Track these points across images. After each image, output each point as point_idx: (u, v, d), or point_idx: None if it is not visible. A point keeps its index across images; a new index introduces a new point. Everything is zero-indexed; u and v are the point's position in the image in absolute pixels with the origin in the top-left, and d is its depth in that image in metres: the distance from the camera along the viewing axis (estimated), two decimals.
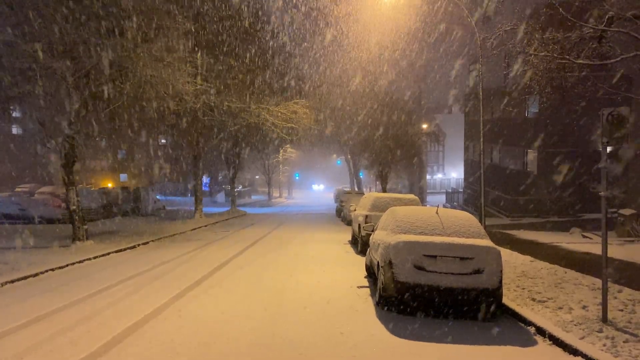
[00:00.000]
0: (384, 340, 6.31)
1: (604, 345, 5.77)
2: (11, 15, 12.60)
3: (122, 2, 12.54)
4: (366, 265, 10.68)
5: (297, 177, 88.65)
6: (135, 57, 13.06)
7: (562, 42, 11.18)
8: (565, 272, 10.36)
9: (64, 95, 13.83)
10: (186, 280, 9.73)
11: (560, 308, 7.40)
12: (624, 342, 5.86)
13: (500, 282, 7.33)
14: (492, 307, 7.38)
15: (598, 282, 8.75)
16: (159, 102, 15.42)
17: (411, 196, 16.32)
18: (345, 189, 46.32)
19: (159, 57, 13.54)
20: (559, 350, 6.04)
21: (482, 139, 17.64)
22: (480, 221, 15.47)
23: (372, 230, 10.63)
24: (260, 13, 23.31)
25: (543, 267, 11.03)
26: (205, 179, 53.49)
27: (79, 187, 15.98)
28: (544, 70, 12.16)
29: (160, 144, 44.81)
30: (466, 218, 8.43)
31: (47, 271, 10.61)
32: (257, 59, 21.78)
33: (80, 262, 11.91)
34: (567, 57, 11.26)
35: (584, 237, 18.89)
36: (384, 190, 33.20)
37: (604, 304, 6.70)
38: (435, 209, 8.66)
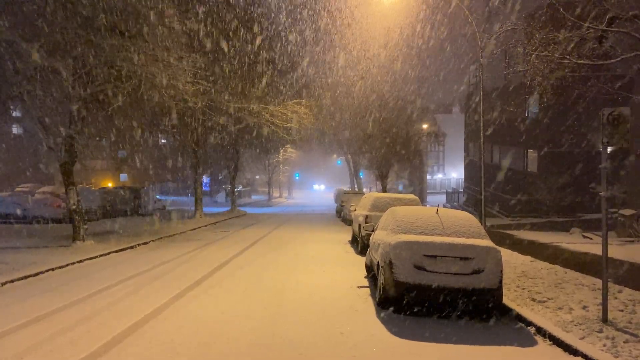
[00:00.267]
0: (384, 340, 6.31)
1: (604, 345, 5.77)
2: (11, 14, 12.58)
3: (122, 2, 12.54)
4: (366, 265, 10.68)
5: (297, 177, 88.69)
6: (135, 56, 13.05)
7: (562, 42, 11.16)
8: (566, 272, 10.36)
9: (64, 95, 13.83)
10: (186, 280, 9.73)
11: (561, 308, 7.39)
12: (624, 342, 5.86)
13: (501, 282, 7.33)
14: (492, 307, 7.38)
15: (598, 282, 8.74)
16: (159, 102, 15.41)
17: (411, 196, 16.32)
18: (346, 189, 46.34)
19: (159, 57, 13.53)
20: (559, 350, 6.03)
21: (482, 139, 17.63)
22: (481, 221, 15.46)
23: (372, 230, 10.63)
24: (261, 13, 23.32)
25: (543, 267, 11.03)
26: (205, 179, 53.45)
27: (79, 187, 15.98)
28: (544, 70, 12.15)
29: (160, 143, 44.81)
30: (466, 218, 8.43)
31: (47, 271, 10.61)
32: (257, 58, 21.78)
33: (80, 261, 11.91)
34: (568, 57, 11.25)
35: (584, 237, 18.87)
36: (384, 190, 33.21)
37: (604, 304, 6.69)
38: (436, 209, 8.65)
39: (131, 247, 14.78)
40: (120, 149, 42.89)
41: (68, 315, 7.16)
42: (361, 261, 12.25)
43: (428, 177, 58.19)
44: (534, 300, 7.96)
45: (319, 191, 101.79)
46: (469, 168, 38.82)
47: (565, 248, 14.88)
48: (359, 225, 14.52)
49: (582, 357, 5.61)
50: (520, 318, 7.24)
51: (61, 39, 12.53)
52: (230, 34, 19.75)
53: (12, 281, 9.54)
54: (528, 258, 12.48)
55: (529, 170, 28.01)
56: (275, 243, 16.86)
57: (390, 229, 8.37)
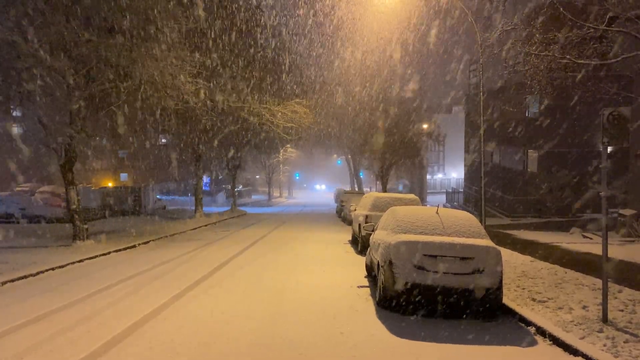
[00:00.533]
0: (384, 340, 6.31)
1: (604, 345, 5.77)
2: (12, 14, 12.58)
3: (122, 2, 12.53)
4: (366, 265, 10.68)
5: (297, 177, 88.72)
6: (135, 56, 13.05)
7: (563, 41, 11.16)
8: (566, 272, 10.35)
9: (64, 95, 13.83)
10: (186, 280, 9.73)
11: (561, 308, 7.39)
12: (624, 342, 5.85)
13: (501, 282, 7.33)
14: (492, 307, 7.37)
15: (598, 282, 8.74)
16: (160, 102, 15.40)
17: (411, 196, 16.31)
18: (346, 189, 46.36)
19: (160, 56, 13.52)
20: (559, 350, 6.03)
21: (482, 139, 17.63)
22: (481, 221, 15.47)
23: (373, 230, 10.62)
24: (262, 13, 23.29)
25: (543, 267, 11.03)
26: (205, 179, 53.45)
27: (79, 186, 15.98)
28: (544, 70, 12.15)
29: (160, 143, 44.78)
30: (466, 218, 8.43)
31: (47, 270, 10.61)
32: (258, 58, 21.76)
33: (80, 261, 11.92)
34: (568, 56, 11.24)
35: (584, 237, 18.87)
36: (384, 190, 33.20)
37: (604, 304, 6.69)
38: (436, 209, 8.66)
39: (131, 247, 14.78)
40: (120, 148, 42.88)
41: (68, 315, 7.15)
42: (361, 261, 12.24)
43: (428, 177, 58.20)
44: (534, 300, 7.96)
45: (320, 191, 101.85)
46: (469, 168, 38.82)
47: (565, 248, 14.89)
48: (359, 225, 14.52)
49: (582, 357, 5.61)
50: (520, 318, 7.23)
51: (62, 39, 12.52)
52: (232, 34, 19.74)
53: (12, 281, 9.54)
54: (528, 258, 12.47)
55: (529, 170, 28.01)
56: (275, 243, 16.86)
57: (391, 229, 8.37)
